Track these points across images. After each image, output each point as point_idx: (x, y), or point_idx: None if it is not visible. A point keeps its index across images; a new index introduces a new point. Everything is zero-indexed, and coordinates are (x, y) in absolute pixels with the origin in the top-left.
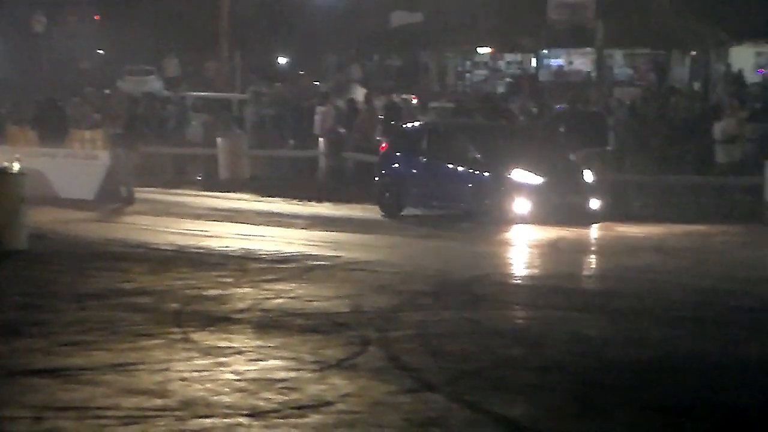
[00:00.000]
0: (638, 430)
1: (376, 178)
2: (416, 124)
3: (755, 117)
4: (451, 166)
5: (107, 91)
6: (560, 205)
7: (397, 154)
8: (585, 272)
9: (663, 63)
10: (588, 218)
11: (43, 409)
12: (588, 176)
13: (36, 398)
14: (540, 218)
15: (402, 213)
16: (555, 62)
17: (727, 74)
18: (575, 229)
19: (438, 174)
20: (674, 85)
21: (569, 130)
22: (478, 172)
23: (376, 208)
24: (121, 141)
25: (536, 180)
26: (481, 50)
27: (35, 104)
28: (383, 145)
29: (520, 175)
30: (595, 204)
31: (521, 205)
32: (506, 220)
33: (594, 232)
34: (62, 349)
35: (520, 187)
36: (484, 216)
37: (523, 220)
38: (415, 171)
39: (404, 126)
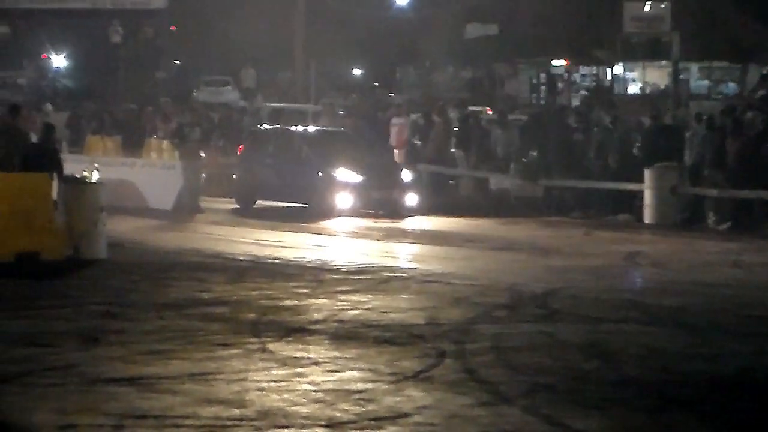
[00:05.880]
0: None
1: (234, 175)
2: (266, 128)
3: None
4: (292, 165)
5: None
6: (378, 200)
7: (251, 154)
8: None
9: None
10: (403, 212)
11: (122, 417)
12: (406, 175)
13: (115, 406)
14: (359, 211)
15: (254, 206)
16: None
17: None
18: (391, 221)
19: (282, 172)
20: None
21: (646, 143)
22: (312, 171)
23: (450, 217)
24: (195, 151)
25: (357, 178)
26: (555, 62)
27: (117, 113)
28: (240, 146)
29: (343, 174)
30: (411, 199)
31: (343, 200)
32: (331, 213)
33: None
34: (141, 357)
35: (343, 184)
36: (315, 209)
37: (344, 213)
38: (265, 169)
39: (256, 130)
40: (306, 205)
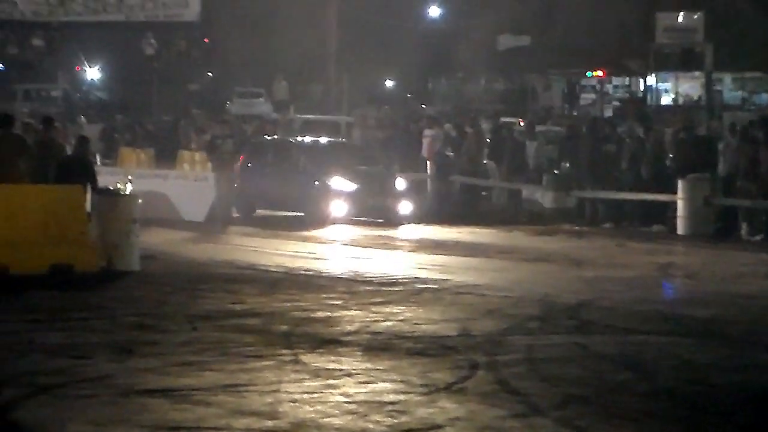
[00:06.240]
0: None
1: (235, 185)
2: (265, 139)
3: None
4: (289, 175)
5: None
6: (372, 208)
7: (250, 165)
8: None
9: None
10: (397, 220)
11: (156, 429)
12: (400, 184)
13: (149, 418)
14: (355, 218)
15: (254, 214)
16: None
17: None
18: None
19: (280, 182)
20: None
21: (678, 154)
22: (309, 180)
23: (482, 228)
24: (228, 163)
25: (351, 186)
26: (588, 73)
27: (149, 125)
28: (241, 156)
29: (338, 182)
30: (405, 207)
31: (338, 208)
32: (326, 221)
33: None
34: (174, 369)
35: (337, 193)
36: (312, 216)
37: (340, 221)
38: (264, 179)
39: (255, 141)
40: (302, 214)
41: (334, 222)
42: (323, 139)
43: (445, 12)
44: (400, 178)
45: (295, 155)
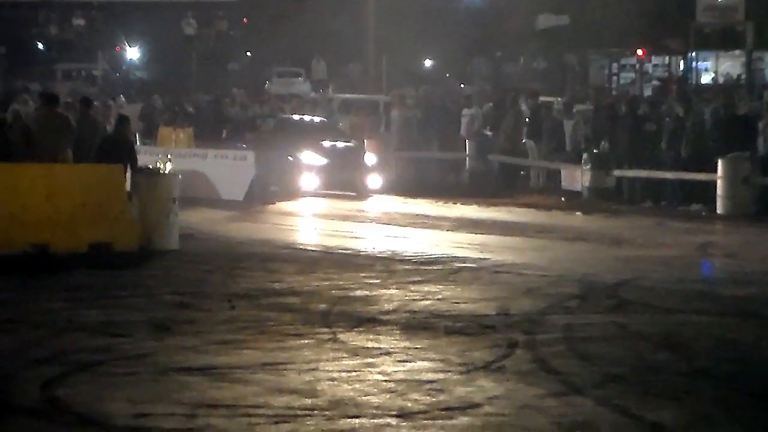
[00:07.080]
0: None
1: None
2: (244, 116)
3: None
4: (266, 151)
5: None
6: (341, 181)
7: (232, 141)
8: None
9: None
10: (366, 192)
11: (195, 407)
12: (370, 158)
13: (188, 395)
14: (324, 191)
15: None
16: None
17: None
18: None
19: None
20: None
21: (718, 133)
22: (283, 156)
23: (521, 207)
24: (268, 142)
25: (322, 161)
26: (627, 52)
27: (188, 104)
28: (223, 135)
29: (309, 157)
30: (374, 180)
31: (309, 181)
32: (298, 193)
33: None
34: (213, 347)
35: (308, 167)
36: (285, 190)
37: (310, 194)
38: None
39: (235, 118)
40: (276, 189)
41: (304, 195)
42: (302, 117)
43: None
44: (370, 153)
45: (272, 131)
